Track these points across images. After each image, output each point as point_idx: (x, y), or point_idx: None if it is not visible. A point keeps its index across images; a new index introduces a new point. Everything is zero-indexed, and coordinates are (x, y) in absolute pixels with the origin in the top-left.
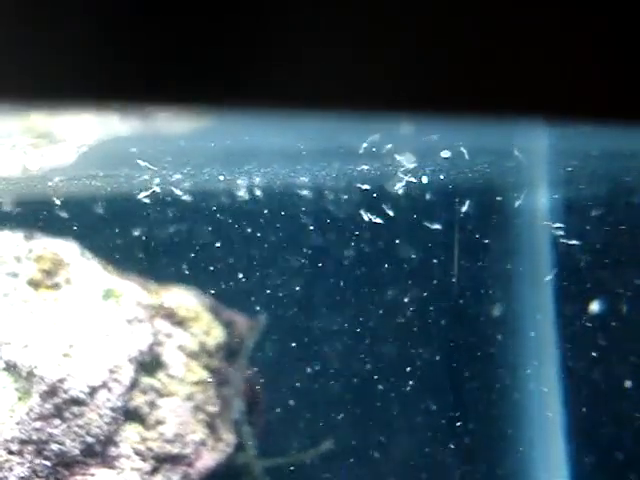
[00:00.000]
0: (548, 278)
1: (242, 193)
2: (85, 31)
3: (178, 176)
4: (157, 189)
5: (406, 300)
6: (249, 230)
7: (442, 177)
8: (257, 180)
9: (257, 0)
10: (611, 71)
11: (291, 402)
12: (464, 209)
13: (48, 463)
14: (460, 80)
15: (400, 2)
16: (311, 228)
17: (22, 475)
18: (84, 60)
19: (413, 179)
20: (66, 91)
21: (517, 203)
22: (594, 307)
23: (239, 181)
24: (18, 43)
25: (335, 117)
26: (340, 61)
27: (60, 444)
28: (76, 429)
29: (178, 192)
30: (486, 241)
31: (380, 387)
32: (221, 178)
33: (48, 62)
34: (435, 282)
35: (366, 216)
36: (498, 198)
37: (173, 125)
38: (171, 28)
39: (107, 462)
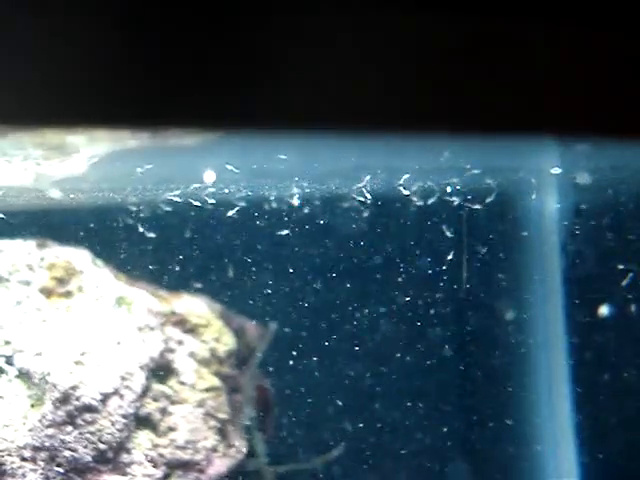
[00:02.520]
0: (558, 282)
1: (254, 204)
2: (95, 55)
3: (188, 186)
4: (168, 199)
5: (417, 305)
6: (259, 238)
7: (458, 186)
8: (267, 192)
9: (257, 23)
10: (622, 88)
11: (302, 408)
12: (474, 216)
13: (61, 470)
14: (467, 98)
15: (400, 17)
16: (320, 237)
17: None
18: (93, 84)
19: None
20: (78, 114)
21: (527, 210)
22: (603, 310)
23: (250, 192)
24: (30, 66)
25: (331, 136)
26: (340, 79)
27: (72, 451)
28: (88, 436)
29: (189, 202)
30: (496, 248)
31: (391, 393)
32: (231, 189)
33: (58, 85)
34: (445, 287)
35: (377, 224)
36: (508, 205)
37: (182, 139)
38: (175, 53)
39: (119, 469)
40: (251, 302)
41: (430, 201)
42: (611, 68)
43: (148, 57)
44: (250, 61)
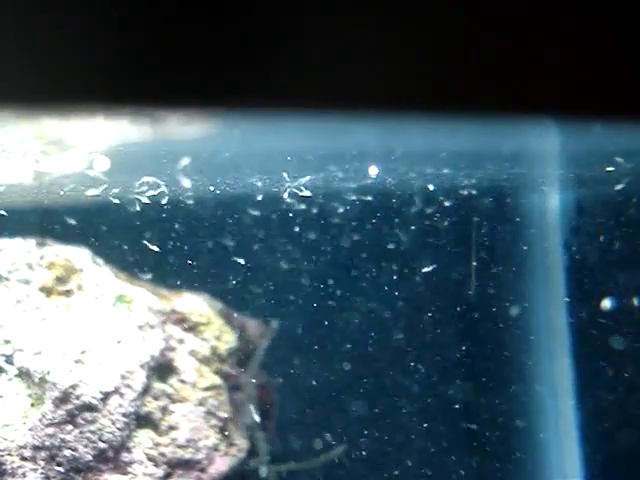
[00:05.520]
0: (560, 277)
1: (254, 199)
2: (94, 36)
3: (188, 182)
4: (168, 195)
5: (421, 302)
6: (261, 236)
7: (458, 180)
8: (267, 185)
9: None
10: (626, 68)
11: (303, 407)
12: (478, 212)
13: (61, 469)
14: (469, 79)
15: (406, 1)
16: (321, 233)
17: None
18: (93, 64)
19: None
20: (76, 95)
21: (529, 204)
22: (606, 305)
23: (251, 186)
24: (29, 47)
25: (338, 118)
26: (344, 60)
27: (73, 450)
28: (89, 435)
29: (189, 199)
30: (499, 243)
31: (393, 391)
32: (232, 184)
33: (57, 67)
34: (449, 284)
35: (380, 221)
36: (510, 200)
37: (182, 130)
38: (175, 32)
39: (120, 468)
40: (253, 300)
41: (432, 195)
42: (611, 48)
43: (148, 38)
44: (252, 42)
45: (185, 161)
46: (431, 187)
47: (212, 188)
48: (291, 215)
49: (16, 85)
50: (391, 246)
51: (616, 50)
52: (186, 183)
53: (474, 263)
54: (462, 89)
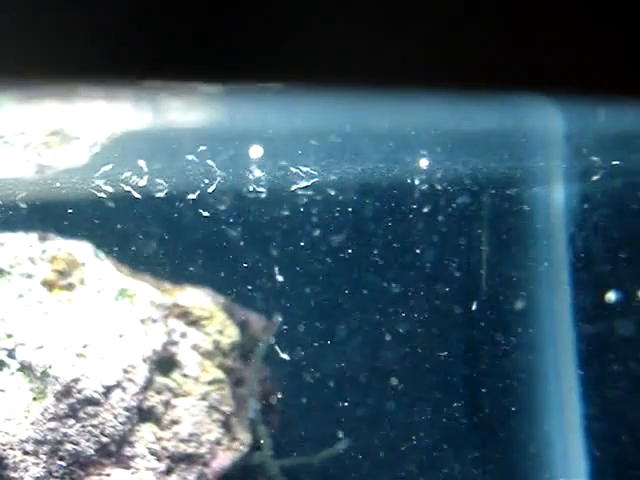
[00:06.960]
0: (565, 270)
1: (255, 190)
2: (100, 9)
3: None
4: (170, 189)
5: (424, 296)
6: (263, 229)
7: (459, 171)
8: (265, 177)
9: None
10: (627, 48)
11: (306, 402)
12: (482, 203)
13: (63, 463)
14: (470, 58)
15: None
16: (325, 225)
17: (37, 475)
18: (99, 39)
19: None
20: (78, 68)
21: (534, 196)
22: (611, 298)
23: (250, 177)
24: (34, 22)
25: (348, 95)
26: (355, 37)
27: (75, 444)
28: (91, 429)
29: (191, 193)
30: (503, 235)
31: (396, 386)
32: (234, 177)
33: (66, 41)
34: (453, 277)
35: (386, 213)
36: (515, 191)
37: (183, 117)
38: (179, 4)
39: (122, 462)
40: (257, 294)
41: (434, 186)
42: (611, 26)
43: (150, 9)
44: (262, 17)
45: (259, 153)
46: (434, 178)
47: (213, 181)
48: (298, 209)
49: (18, 62)
50: (395, 238)
51: (616, 30)
52: (257, 173)
53: (484, 253)
54: (462, 67)
